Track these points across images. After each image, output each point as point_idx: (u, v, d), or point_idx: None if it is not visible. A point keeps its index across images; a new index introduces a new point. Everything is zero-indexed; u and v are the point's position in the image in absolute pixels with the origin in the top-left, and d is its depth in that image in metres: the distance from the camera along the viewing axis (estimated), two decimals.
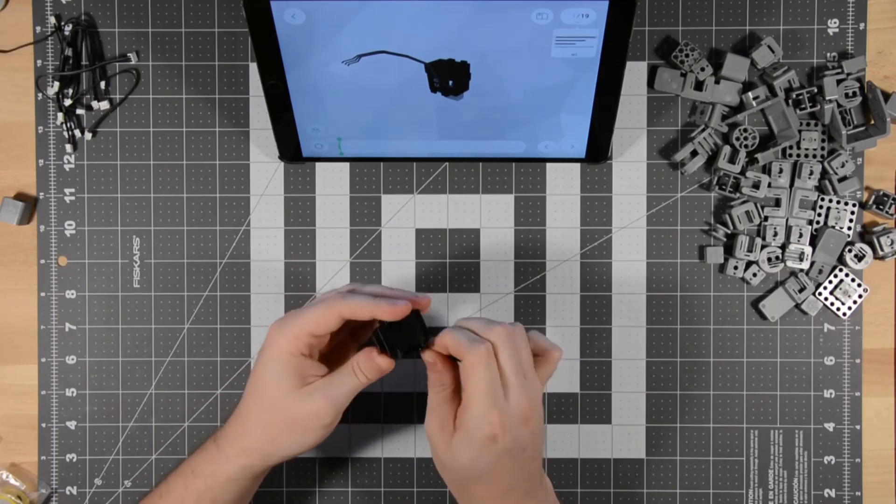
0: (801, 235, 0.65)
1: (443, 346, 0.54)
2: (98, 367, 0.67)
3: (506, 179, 0.67)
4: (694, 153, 0.66)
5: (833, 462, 0.67)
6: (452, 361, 0.55)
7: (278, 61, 0.57)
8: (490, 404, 0.52)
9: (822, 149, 0.66)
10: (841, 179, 0.65)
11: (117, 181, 0.67)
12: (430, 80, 0.58)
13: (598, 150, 0.64)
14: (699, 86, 0.66)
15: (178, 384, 0.67)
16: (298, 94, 0.59)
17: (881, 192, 0.66)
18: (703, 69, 0.65)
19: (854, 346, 0.66)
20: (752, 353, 0.67)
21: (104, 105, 0.66)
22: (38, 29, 0.67)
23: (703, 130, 0.65)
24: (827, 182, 0.66)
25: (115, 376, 0.67)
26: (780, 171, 0.65)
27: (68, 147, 0.67)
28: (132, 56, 0.67)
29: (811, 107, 0.65)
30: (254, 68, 0.67)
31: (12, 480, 0.67)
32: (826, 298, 0.66)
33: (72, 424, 0.67)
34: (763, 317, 0.66)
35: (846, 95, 0.65)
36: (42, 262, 0.67)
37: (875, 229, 0.66)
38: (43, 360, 0.67)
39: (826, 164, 0.65)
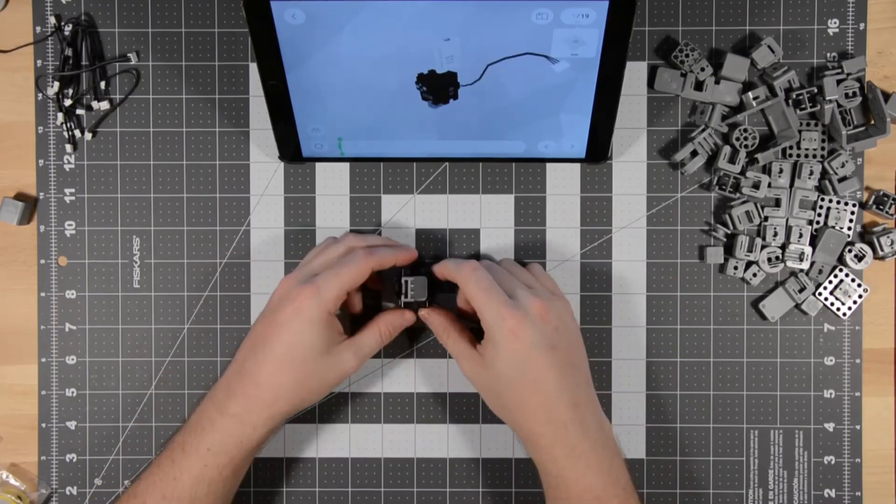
0: (801, 235, 0.65)
1: (440, 272, 0.61)
2: (98, 367, 0.67)
3: (506, 179, 0.67)
4: (694, 153, 0.66)
5: (833, 462, 0.67)
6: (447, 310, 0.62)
7: (278, 61, 0.57)
8: (498, 303, 0.56)
9: (822, 149, 0.66)
10: (841, 179, 0.65)
11: (117, 181, 0.67)
12: (420, 91, 0.58)
13: (598, 150, 0.64)
14: (699, 86, 0.66)
15: (178, 384, 0.67)
16: (298, 94, 0.59)
17: (881, 192, 0.66)
18: (703, 69, 0.65)
19: (854, 346, 0.66)
20: (752, 353, 0.67)
21: (104, 105, 0.66)
22: (38, 29, 0.67)
23: (703, 130, 0.65)
24: (827, 182, 0.66)
25: (115, 376, 0.67)
26: (780, 171, 0.65)
27: (68, 147, 0.67)
28: (132, 56, 0.67)
29: (811, 107, 0.65)
30: (254, 68, 0.67)
31: (12, 480, 0.67)
32: (826, 298, 0.66)
33: (72, 424, 0.67)
34: (763, 317, 0.66)
35: (846, 95, 0.65)
36: (42, 262, 0.67)
37: (875, 229, 0.66)
38: (43, 360, 0.67)
39: (826, 164, 0.65)
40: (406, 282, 0.62)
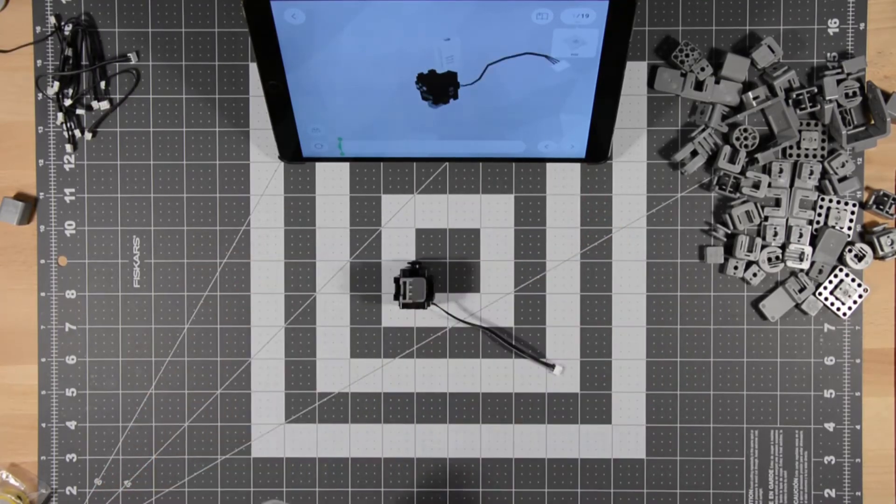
0: (801, 235, 0.65)
1: None
2: (98, 367, 0.67)
3: (506, 179, 0.67)
4: (694, 153, 0.66)
5: (833, 462, 0.67)
6: None
7: (278, 61, 0.57)
8: None
9: (822, 149, 0.66)
10: (841, 179, 0.65)
11: (117, 181, 0.67)
12: (420, 91, 0.58)
13: (598, 150, 0.64)
14: (699, 86, 0.66)
15: (178, 384, 0.67)
16: (298, 94, 0.59)
17: (881, 192, 0.66)
18: (703, 69, 0.65)
19: (854, 346, 0.66)
20: (753, 353, 0.67)
21: (104, 105, 0.66)
22: (38, 29, 0.67)
23: (703, 130, 0.65)
24: (827, 182, 0.66)
25: (115, 376, 0.67)
26: (780, 171, 0.65)
27: (68, 147, 0.67)
28: (132, 56, 0.67)
29: (811, 107, 0.65)
30: (254, 68, 0.67)
31: (12, 480, 0.67)
32: (826, 298, 0.66)
33: (72, 424, 0.67)
34: (763, 317, 0.66)
35: (846, 95, 0.65)
36: (42, 262, 0.67)
37: (875, 229, 0.66)
38: (43, 360, 0.67)
39: (826, 164, 0.65)
40: (404, 283, 0.62)
